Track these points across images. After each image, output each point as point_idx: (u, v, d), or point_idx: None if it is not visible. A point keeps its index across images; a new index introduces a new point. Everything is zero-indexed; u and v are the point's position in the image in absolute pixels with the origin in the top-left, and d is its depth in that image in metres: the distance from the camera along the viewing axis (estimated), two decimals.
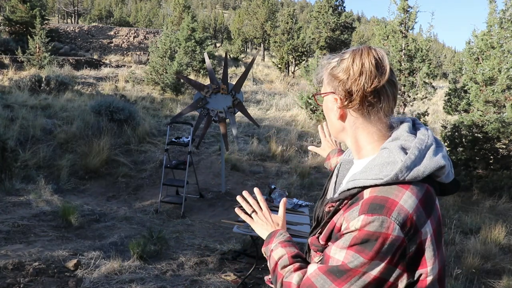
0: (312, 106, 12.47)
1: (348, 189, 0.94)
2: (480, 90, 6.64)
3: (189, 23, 20.15)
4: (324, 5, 25.00)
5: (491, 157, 6.81)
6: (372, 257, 0.84)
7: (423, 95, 7.23)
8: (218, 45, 39.30)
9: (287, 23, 24.60)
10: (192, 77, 17.59)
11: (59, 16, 50.96)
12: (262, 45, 34.87)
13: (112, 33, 28.96)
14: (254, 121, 6.66)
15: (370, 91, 0.92)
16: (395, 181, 0.87)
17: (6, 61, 17.41)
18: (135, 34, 29.03)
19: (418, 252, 0.88)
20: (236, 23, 38.68)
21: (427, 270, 0.89)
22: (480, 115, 6.63)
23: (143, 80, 16.45)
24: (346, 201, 0.94)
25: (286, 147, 8.85)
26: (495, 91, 6.39)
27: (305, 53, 24.14)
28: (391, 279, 0.87)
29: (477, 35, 6.99)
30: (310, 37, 24.99)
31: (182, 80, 14.35)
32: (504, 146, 6.69)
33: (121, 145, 7.97)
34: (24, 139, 7.43)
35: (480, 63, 6.77)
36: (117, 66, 21.09)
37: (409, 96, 7.33)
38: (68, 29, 28.43)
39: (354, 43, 32.93)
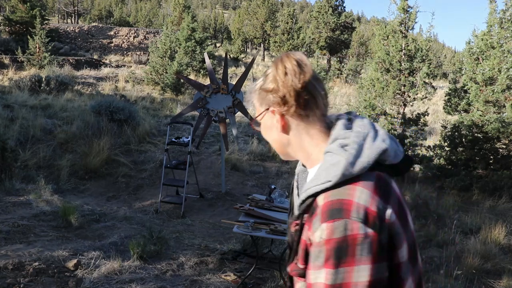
0: None
1: (303, 201, 0.91)
2: (480, 90, 6.64)
3: (189, 23, 20.14)
4: (324, 5, 25.01)
5: (491, 157, 6.80)
6: (352, 262, 0.80)
7: (423, 95, 7.22)
8: (218, 45, 39.29)
9: (287, 23, 24.61)
10: (192, 77, 17.59)
11: (59, 16, 50.96)
12: (262, 45, 34.86)
13: (112, 33, 28.97)
14: None
15: (301, 87, 0.93)
16: (344, 180, 0.85)
17: (6, 61, 17.41)
18: (135, 34, 29.04)
19: (390, 239, 0.85)
20: (236, 23, 38.67)
21: (397, 253, 0.87)
22: (480, 115, 6.63)
23: (143, 80, 16.45)
24: (306, 214, 0.90)
25: None
26: (495, 91, 6.39)
27: (305, 53, 24.15)
28: (385, 275, 0.83)
29: (477, 35, 6.99)
30: (310, 37, 25.00)
31: (182, 80, 14.35)
32: (504, 146, 6.69)
33: (121, 145, 7.97)
34: (24, 139, 7.43)
35: (480, 63, 6.77)
36: (117, 66, 21.09)
37: (409, 96, 7.32)
38: (68, 29, 28.44)
39: (354, 43, 32.93)
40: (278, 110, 0.97)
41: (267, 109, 0.99)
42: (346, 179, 0.85)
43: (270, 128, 1.02)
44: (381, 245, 0.82)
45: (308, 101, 0.94)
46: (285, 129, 0.99)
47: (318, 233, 0.83)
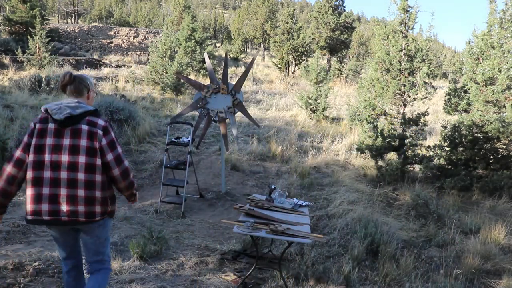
0: (312, 106, 12.47)
1: None
2: (480, 90, 6.64)
3: (189, 23, 20.15)
4: (324, 5, 24.99)
5: (491, 157, 6.80)
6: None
7: (423, 95, 7.21)
8: (218, 45, 39.30)
9: (287, 23, 24.60)
10: (192, 77, 17.58)
11: (59, 16, 50.96)
12: (262, 45, 34.87)
13: (112, 33, 28.97)
14: (254, 121, 6.66)
15: (60, 87, 2.49)
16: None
17: (6, 61, 17.41)
18: (135, 34, 29.04)
19: (32, 133, 2.29)
20: (236, 23, 38.68)
21: (30, 140, 2.29)
22: (480, 115, 6.62)
23: (143, 80, 16.45)
24: None
25: (286, 147, 8.85)
26: (495, 91, 6.39)
27: (305, 53, 24.13)
28: (26, 142, 2.30)
29: (477, 35, 6.98)
30: (310, 37, 24.98)
31: (182, 80, 14.35)
32: (504, 146, 6.69)
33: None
34: None
35: (480, 63, 6.77)
36: (117, 66, 21.09)
37: (409, 96, 7.30)
38: (68, 29, 28.44)
39: (354, 43, 32.91)
40: None
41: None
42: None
43: None
44: (31, 131, 2.29)
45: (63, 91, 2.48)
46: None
47: None
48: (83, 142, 2.26)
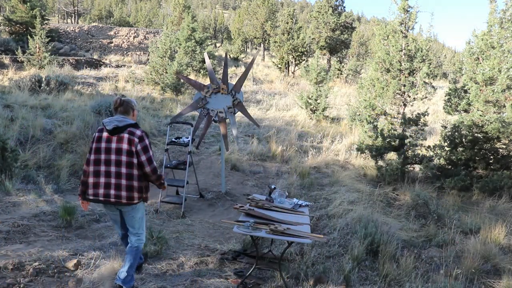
0: (312, 106, 12.47)
1: None
2: (480, 90, 6.63)
3: (189, 23, 20.14)
4: (324, 5, 24.99)
5: (491, 157, 6.80)
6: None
7: (423, 95, 7.20)
8: (218, 45, 39.30)
9: (287, 23, 24.59)
10: (192, 77, 17.58)
11: (59, 16, 50.96)
12: (262, 45, 34.87)
13: (112, 33, 28.96)
14: (254, 121, 6.66)
15: (113, 107, 3.34)
16: None
17: (6, 61, 17.41)
18: (135, 34, 29.03)
19: (93, 140, 3.26)
20: (236, 23, 38.67)
21: (93, 144, 3.25)
22: (480, 115, 6.62)
23: (143, 80, 16.45)
24: None
25: (286, 147, 8.85)
26: (495, 91, 6.38)
27: (305, 53, 24.12)
28: (91, 145, 3.28)
29: (477, 35, 6.98)
30: (310, 37, 24.98)
31: (182, 80, 14.35)
32: (504, 146, 6.68)
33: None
34: (24, 139, 7.43)
35: (480, 63, 6.77)
36: (117, 66, 21.08)
37: (409, 96, 7.30)
38: (68, 29, 28.42)
39: (354, 43, 32.90)
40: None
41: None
42: None
43: None
44: (93, 139, 3.25)
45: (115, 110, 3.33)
46: None
47: None
48: (124, 146, 3.12)
